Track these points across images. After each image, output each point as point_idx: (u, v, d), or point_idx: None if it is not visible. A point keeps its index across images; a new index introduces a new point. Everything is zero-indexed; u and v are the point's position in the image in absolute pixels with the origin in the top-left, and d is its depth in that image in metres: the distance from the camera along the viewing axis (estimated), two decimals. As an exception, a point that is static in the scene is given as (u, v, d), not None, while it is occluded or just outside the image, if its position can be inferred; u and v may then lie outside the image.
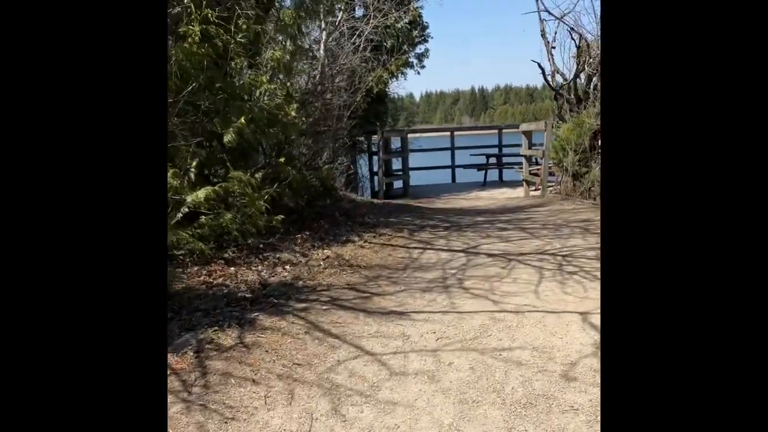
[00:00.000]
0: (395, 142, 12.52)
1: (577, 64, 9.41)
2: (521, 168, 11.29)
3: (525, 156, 10.84)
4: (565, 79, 9.68)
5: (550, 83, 9.87)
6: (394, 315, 3.61)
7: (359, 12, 10.88)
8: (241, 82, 4.96)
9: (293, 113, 5.12)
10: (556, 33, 13.04)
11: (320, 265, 4.75)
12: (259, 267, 4.55)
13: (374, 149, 12.64)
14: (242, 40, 4.61)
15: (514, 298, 3.91)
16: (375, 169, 12.22)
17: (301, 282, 4.28)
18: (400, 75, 12.09)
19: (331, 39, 8.97)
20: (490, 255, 5.13)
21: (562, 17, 9.50)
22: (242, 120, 4.50)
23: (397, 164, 12.34)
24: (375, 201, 9.69)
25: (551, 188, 9.98)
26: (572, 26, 11.88)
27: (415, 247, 5.53)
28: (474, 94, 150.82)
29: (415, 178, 14.88)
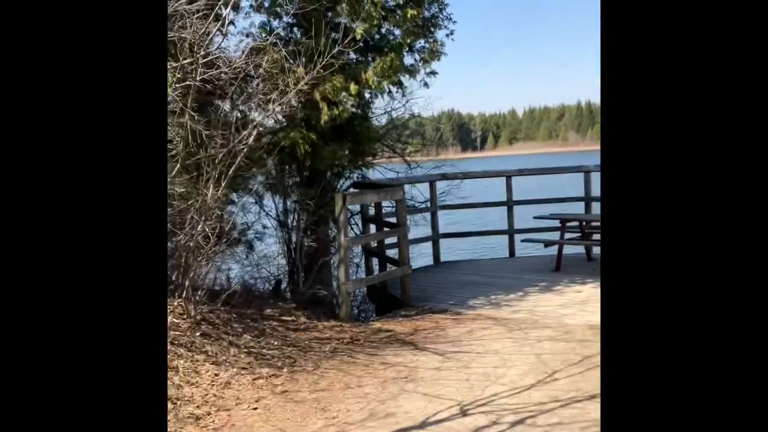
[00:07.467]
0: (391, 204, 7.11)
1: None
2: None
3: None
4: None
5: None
6: None
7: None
8: None
9: None
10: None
11: None
12: None
13: (370, 214, 7.49)
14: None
15: None
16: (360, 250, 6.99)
17: None
18: (395, 89, 6.81)
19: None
20: None
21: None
22: None
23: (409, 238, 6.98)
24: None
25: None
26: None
27: None
28: (580, 108, 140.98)
29: (451, 250, 9.63)
